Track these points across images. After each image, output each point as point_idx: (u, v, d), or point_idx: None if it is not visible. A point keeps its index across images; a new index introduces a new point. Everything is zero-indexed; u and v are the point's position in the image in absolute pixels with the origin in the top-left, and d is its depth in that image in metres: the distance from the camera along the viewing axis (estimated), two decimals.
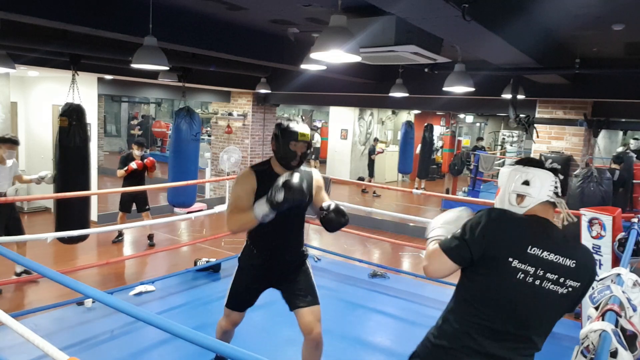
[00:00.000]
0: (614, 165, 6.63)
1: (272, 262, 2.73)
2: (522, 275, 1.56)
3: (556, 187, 1.69)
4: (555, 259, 1.58)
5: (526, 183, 1.69)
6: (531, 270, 1.56)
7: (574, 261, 1.59)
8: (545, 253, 1.57)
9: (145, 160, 6.24)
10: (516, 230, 1.62)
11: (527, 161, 1.76)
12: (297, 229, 2.80)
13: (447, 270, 1.66)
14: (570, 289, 1.59)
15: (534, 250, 1.57)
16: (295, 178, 2.38)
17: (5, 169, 4.78)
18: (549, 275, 1.57)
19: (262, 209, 2.39)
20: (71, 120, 4.61)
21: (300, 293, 2.72)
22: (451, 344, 1.66)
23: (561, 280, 1.58)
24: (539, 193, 1.67)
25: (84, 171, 4.85)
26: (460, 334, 1.65)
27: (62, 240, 4.69)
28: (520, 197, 1.70)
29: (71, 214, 4.76)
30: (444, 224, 1.83)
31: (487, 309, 1.63)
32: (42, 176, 4.86)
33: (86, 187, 4.90)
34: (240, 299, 2.84)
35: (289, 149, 2.58)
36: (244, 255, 2.84)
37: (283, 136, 2.58)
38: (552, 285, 1.58)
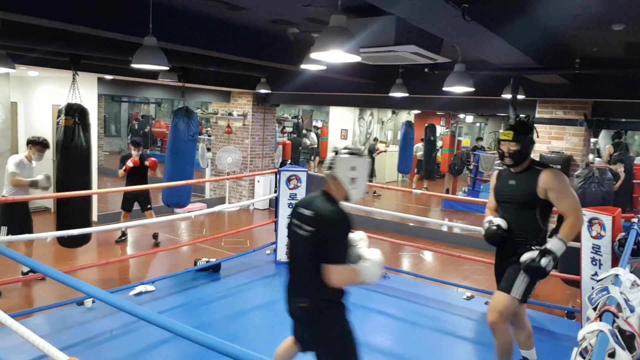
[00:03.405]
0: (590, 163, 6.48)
1: (501, 247, 3.19)
2: (291, 226, 2.34)
3: (331, 164, 2.30)
4: (302, 211, 2.24)
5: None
6: (294, 221, 2.30)
7: (313, 212, 2.19)
8: (300, 208, 2.27)
9: (147, 162, 6.23)
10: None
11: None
12: (520, 222, 3.08)
13: None
14: (308, 232, 2.18)
15: (298, 209, 2.29)
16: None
17: (31, 167, 4.97)
18: (295, 221, 2.29)
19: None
20: (75, 119, 4.64)
21: (502, 277, 3.09)
22: None
23: (302, 225, 2.22)
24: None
25: (88, 172, 4.88)
26: None
27: (62, 242, 4.69)
28: None
29: (73, 215, 4.74)
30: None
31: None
32: (36, 180, 4.80)
33: (88, 187, 4.91)
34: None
35: (499, 147, 3.10)
36: None
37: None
38: (298, 229, 2.26)
